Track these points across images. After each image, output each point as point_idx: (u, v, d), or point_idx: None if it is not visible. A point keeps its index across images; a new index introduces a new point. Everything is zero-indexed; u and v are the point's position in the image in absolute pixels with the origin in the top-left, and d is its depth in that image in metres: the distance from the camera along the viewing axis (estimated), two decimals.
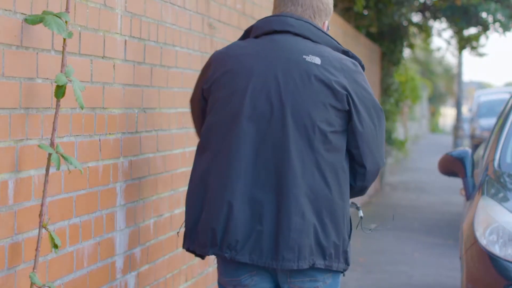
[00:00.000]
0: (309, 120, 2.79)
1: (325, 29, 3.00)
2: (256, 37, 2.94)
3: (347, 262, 2.89)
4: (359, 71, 2.89)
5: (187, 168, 3.88)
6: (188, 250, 2.93)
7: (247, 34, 3.01)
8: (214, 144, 2.85)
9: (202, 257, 2.95)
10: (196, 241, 2.86)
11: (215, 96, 2.88)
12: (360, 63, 2.95)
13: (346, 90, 2.82)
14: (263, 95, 2.81)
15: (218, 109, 2.86)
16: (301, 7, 2.95)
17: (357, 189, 2.99)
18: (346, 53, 2.95)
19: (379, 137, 2.94)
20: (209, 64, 2.96)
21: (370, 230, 3.35)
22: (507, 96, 18.60)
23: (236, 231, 2.77)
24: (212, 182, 2.82)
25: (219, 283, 2.96)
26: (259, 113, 2.81)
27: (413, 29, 15.01)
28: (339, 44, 2.97)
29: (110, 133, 3.03)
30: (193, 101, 3.04)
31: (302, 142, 2.80)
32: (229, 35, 4.54)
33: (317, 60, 2.83)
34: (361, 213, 3.11)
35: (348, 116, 2.84)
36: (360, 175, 2.94)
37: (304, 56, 2.84)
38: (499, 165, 5.09)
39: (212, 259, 4.33)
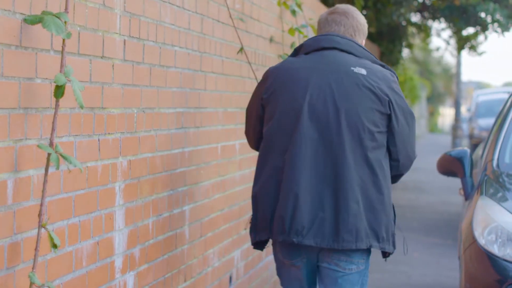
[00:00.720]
0: (360, 122, 3.32)
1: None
2: (306, 53, 3.48)
3: (394, 245, 3.44)
4: (395, 80, 3.46)
5: (186, 168, 3.88)
6: (257, 242, 3.46)
7: (296, 52, 3.55)
8: (280, 145, 3.35)
9: (262, 248, 3.49)
10: (271, 229, 3.36)
11: (275, 103, 3.38)
12: (395, 73, 3.52)
13: (388, 96, 3.37)
14: (320, 101, 3.32)
15: (280, 116, 3.36)
16: (343, 27, 3.55)
17: (393, 177, 3.52)
18: (383, 66, 3.51)
19: (411, 136, 3.50)
20: (266, 77, 3.47)
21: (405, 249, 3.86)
22: (505, 96, 18.61)
23: (302, 219, 3.27)
24: (283, 177, 3.31)
25: (278, 260, 3.50)
26: (317, 117, 3.32)
27: (411, 29, 15.02)
28: (376, 58, 3.54)
29: (109, 133, 3.03)
30: (250, 110, 3.53)
31: (354, 140, 3.31)
32: (227, 35, 4.54)
33: (363, 71, 3.37)
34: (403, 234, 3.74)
35: (388, 119, 3.37)
36: (394, 167, 3.47)
37: (352, 68, 3.37)
38: (497, 165, 5.10)
39: (211, 259, 4.34)
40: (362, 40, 3.62)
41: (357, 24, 3.58)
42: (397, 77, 3.51)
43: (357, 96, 3.33)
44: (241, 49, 4.67)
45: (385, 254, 3.52)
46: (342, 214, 3.28)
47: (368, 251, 3.43)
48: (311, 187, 3.29)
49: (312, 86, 3.35)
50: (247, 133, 3.62)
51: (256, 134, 3.54)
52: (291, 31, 5.77)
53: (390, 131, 3.39)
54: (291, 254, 3.42)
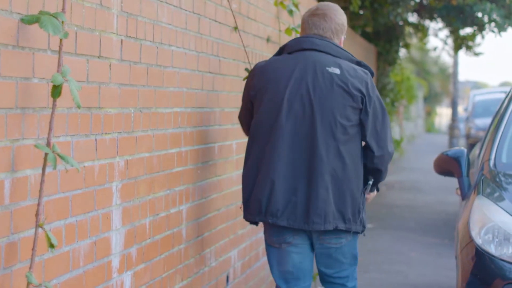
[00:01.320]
0: (332, 117, 3.73)
1: (341, 43, 3.97)
2: (289, 53, 3.88)
3: (363, 225, 3.85)
4: (369, 77, 3.84)
5: (183, 168, 3.88)
6: (246, 219, 3.89)
7: (281, 51, 3.95)
8: (261, 137, 3.79)
9: (256, 223, 3.91)
10: (248, 211, 3.83)
11: (260, 99, 3.81)
12: (370, 70, 3.90)
13: (361, 92, 3.77)
14: (298, 98, 3.75)
15: (263, 110, 3.79)
16: (322, 30, 3.90)
17: (371, 170, 3.91)
18: (359, 63, 3.90)
19: (384, 129, 3.87)
20: (253, 75, 3.89)
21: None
22: (502, 95, 18.62)
23: (277, 203, 3.73)
24: (262, 166, 3.76)
25: (267, 243, 3.92)
26: (294, 113, 3.75)
27: (409, 29, 15.03)
28: (353, 56, 3.92)
29: (106, 133, 3.03)
30: (244, 100, 3.95)
31: (327, 134, 3.73)
32: (225, 35, 4.54)
33: (337, 71, 3.77)
34: (370, 181, 3.94)
35: (360, 113, 3.77)
36: (369, 158, 3.87)
37: (327, 68, 3.78)
38: (494, 164, 5.10)
39: (208, 258, 4.34)
40: (341, 38, 3.97)
41: (335, 26, 3.92)
42: (372, 73, 3.89)
43: (330, 94, 3.74)
44: (236, 28, 4.69)
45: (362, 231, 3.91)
46: (312, 199, 3.71)
47: (350, 233, 3.85)
48: (286, 175, 3.73)
49: (292, 84, 3.76)
50: (239, 118, 4.07)
51: (247, 124, 3.99)
52: (288, 31, 5.77)
53: (361, 124, 3.79)
54: (283, 232, 3.83)
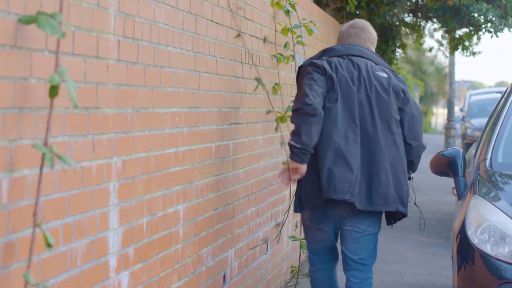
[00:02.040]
0: (389, 113, 4.42)
1: None
2: (340, 56, 4.52)
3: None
4: (405, 82, 4.63)
5: (180, 168, 3.89)
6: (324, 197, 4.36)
7: (323, 53, 4.56)
8: (338, 128, 4.34)
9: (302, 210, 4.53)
10: (334, 189, 4.31)
11: (334, 90, 4.39)
12: (404, 82, 4.64)
13: (404, 93, 4.53)
14: (362, 100, 4.41)
15: (341, 103, 4.39)
16: (362, 40, 4.66)
17: (407, 162, 4.53)
18: (392, 71, 4.60)
19: (418, 125, 4.56)
20: (320, 64, 4.40)
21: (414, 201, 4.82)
22: (498, 96, 18.64)
23: (348, 187, 4.29)
24: (344, 152, 4.32)
25: (305, 225, 4.62)
26: (360, 111, 4.39)
27: (405, 29, 15.04)
28: (387, 65, 4.65)
29: (103, 133, 3.04)
30: (315, 80, 4.39)
31: (384, 127, 4.39)
32: (222, 35, 4.55)
33: (385, 75, 4.51)
34: (412, 174, 4.63)
35: (401, 110, 4.49)
36: (407, 150, 4.51)
37: (376, 72, 4.50)
38: (490, 164, 5.12)
39: (205, 258, 4.35)
40: (373, 48, 4.72)
41: (371, 37, 4.71)
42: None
43: (384, 93, 4.44)
44: (238, 35, 4.73)
45: (390, 222, 4.59)
46: (375, 184, 4.33)
47: (380, 217, 4.50)
48: (357, 166, 4.33)
49: (357, 86, 4.43)
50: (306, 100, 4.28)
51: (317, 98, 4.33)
52: (284, 31, 5.78)
53: (402, 120, 4.49)
54: (319, 220, 4.49)
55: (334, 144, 4.30)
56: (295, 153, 4.25)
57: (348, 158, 4.30)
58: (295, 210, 4.55)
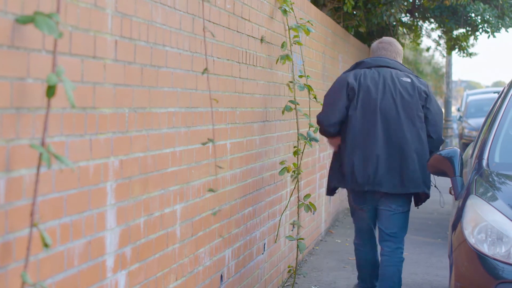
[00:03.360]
0: (412, 112, 5.47)
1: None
2: (368, 67, 5.64)
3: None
4: (428, 85, 5.60)
5: (178, 168, 3.89)
6: (332, 189, 5.79)
7: (356, 65, 5.69)
8: (361, 129, 5.49)
9: (333, 193, 5.89)
10: (355, 182, 5.50)
11: (357, 98, 5.52)
12: (428, 86, 5.64)
13: (426, 94, 5.56)
14: (387, 103, 5.47)
15: (360, 110, 5.50)
16: (389, 52, 5.78)
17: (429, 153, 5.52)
18: (416, 76, 5.64)
19: (439, 121, 5.62)
20: (346, 79, 5.58)
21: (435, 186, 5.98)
22: (495, 96, 18.66)
23: (380, 175, 5.44)
24: (365, 155, 5.46)
25: (351, 206, 5.78)
26: (385, 113, 5.46)
27: (402, 29, 15.05)
28: (410, 71, 5.68)
29: (100, 133, 3.04)
30: (338, 98, 5.57)
31: (409, 124, 5.46)
32: (219, 35, 4.55)
33: (408, 80, 5.56)
34: (434, 182, 5.85)
35: (426, 108, 5.53)
36: (430, 142, 5.58)
37: (401, 78, 5.56)
38: (487, 164, 5.12)
39: (202, 258, 4.35)
40: (400, 59, 5.80)
41: (397, 50, 5.82)
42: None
43: (408, 96, 5.49)
44: (205, 70, 4.60)
45: (417, 203, 5.71)
46: (405, 170, 5.43)
47: (409, 199, 5.61)
48: (386, 155, 5.44)
49: (381, 92, 5.48)
50: (324, 116, 5.65)
51: (336, 115, 5.59)
52: (294, 29, 5.85)
53: (426, 117, 5.53)
54: (360, 202, 5.66)
55: (356, 145, 5.46)
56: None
57: (366, 155, 5.43)
58: (327, 194, 5.93)
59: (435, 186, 5.88)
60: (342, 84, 5.55)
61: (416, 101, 5.46)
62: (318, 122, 5.63)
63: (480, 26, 12.93)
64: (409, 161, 5.42)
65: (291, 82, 5.98)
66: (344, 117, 5.51)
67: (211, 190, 4.03)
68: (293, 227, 6.68)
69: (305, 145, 6.15)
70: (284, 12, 5.74)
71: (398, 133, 5.42)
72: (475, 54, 15.18)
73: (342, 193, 10.71)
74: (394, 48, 5.79)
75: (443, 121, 6.46)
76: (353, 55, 11.66)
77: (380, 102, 5.45)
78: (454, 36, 14.36)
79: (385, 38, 5.85)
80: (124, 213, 3.27)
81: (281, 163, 6.05)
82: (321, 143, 8.48)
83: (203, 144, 4.05)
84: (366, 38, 14.35)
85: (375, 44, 5.85)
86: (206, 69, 3.96)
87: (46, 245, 2.43)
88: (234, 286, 5.04)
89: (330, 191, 5.83)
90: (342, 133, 5.56)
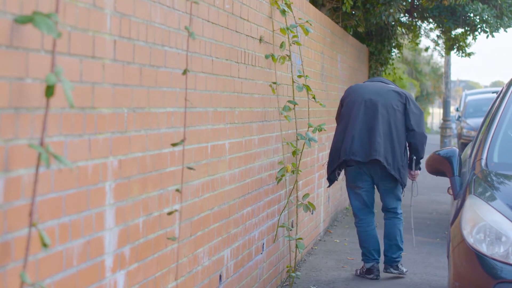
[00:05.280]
0: (390, 105, 6.95)
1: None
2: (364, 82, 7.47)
3: (401, 178, 6.97)
4: (407, 93, 7.15)
5: (176, 167, 3.89)
6: (343, 161, 7.03)
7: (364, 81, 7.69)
8: (345, 121, 7.06)
9: (332, 181, 7.28)
10: (349, 155, 6.94)
11: (346, 104, 7.13)
12: (409, 94, 7.25)
13: (405, 94, 7.07)
14: (369, 100, 6.99)
15: (347, 108, 7.07)
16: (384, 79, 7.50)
17: (411, 146, 7.05)
18: (402, 91, 7.19)
19: (419, 118, 7.00)
20: (346, 93, 7.27)
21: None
22: (494, 95, 18.66)
23: (355, 148, 6.94)
24: (347, 132, 6.97)
25: (348, 186, 7.12)
26: (367, 108, 6.97)
27: (401, 29, 15.05)
28: (399, 88, 7.29)
29: (99, 133, 3.04)
30: (339, 107, 7.33)
31: (384, 116, 6.92)
32: (218, 35, 4.55)
33: (393, 87, 7.13)
34: (414, 157, 7.21)
35: (405, 106, 6.98)
36: (410, 135, 6.96)
37: (386, 87, 7.12)
38: (486, 164, 5.13)
39: (201, 258, 4.35)
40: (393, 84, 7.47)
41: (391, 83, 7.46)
42: (410, 95, 7.19)
43: (388, 96, 7.01)
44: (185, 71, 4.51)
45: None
46: (373, 145, 6.80)
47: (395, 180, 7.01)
48: (359, 136, 6.89)
49: (366, 96, 7.03)
50: (336, 118, 7.41)
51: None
52: (282, 30, 5.80)
53: (406, 112, 6.94)
54: (356, 178, 7.03)
55: (345, 132, 7.03)
56: None
57: (346, 138, 6.97)
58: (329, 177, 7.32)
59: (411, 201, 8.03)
60: (343, 97, 7.49)
61: (395, 98, 7.02)
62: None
63: (478, 26, 12.93)
64: (377, 140, 6.85)
65: (274, 83, 5.94)
66: None
67: (177, 190, 4.01)
68: (292, 226, 6.68)
69: (304, 145, 6.15)
70: (283, 12, 5.74)
71: (372, 123, 6.93)
72: (474, 54, 15.17)
73: (342, 193, 10.72)
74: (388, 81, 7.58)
75: (423, 120, 7.58)
76: (352, 55, 11.66)
77: (364, 103, 7.04)
78: (453, 36, 14.36)
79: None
80: (123, 213, 3.27)
81: (280, 163, 6.05)
82: (319, 143, 8.49)
83: (173, 145, 3.75)
84: (365, 38, 14.36)
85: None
86: (186, 69, 3.95)
87: (45, 245, 2.43)
88: (233, 286, 5.04)
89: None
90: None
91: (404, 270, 7.18)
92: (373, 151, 6.73)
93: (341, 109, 7.17)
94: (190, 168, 3.88)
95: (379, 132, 6.77)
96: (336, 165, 6.96)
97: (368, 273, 7.08)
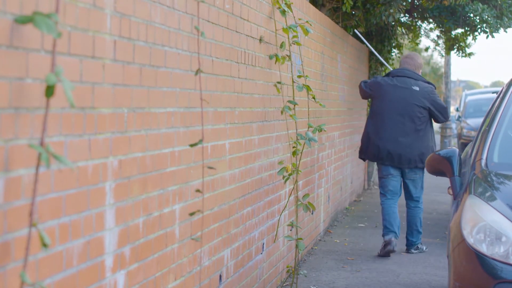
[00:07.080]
0: (413, 111, 8.08)
1: (420, 73, 8.49)
2: (393, 76, 8.27)
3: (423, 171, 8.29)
4: (433, 90, 8.28)
5: (176, 167, 3.89)
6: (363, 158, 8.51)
7: (388, 74, 8.36)
8: (377, 118, 8.22)
9: (364, 159, 8.58)
10: (367, 155, 8.37)
11: (377, 98, 8.27)
12: (434, 86, 8.38)
13: (430, 95, 8.20)
14: (397, 101, 8.13)
15: (377, 105, 8.22)
16: (409, 65, 8.40)
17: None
18: (428, 82, 8.34)
19: (444, 113, 8.28)
20: (374, 83, 8.37)
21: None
22: (493, 96, 18.66)
23: (384, 152, 8.21)
24: (375, 140, 8.23)
25: (379, 177, 8.31)
26: (395, 107, 8.10)
27: (401, 29, 15.05)
28: (425, 79, 8.35)
29: (99, 133, 3.04)
30: (368, 92, 8.40)
31: (409, 120, 8.07)
32: (218, 35, 4.55)
33: (417, 88, 8.16)
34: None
35: (429, 110, 8.19)
36: (440, 120, 8.33)
37: (412, 86, 8.16)
38: (486, 164, 5.13)
39: (201, 258, 4.35)
40: (420, 70, 8.41)
41: (416, 63, 8.41)
42: (435, 87, 8.33)
43: (413, 100, 8.07)
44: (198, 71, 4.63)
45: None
46: (401, 158, 8.07)
47: (422, 169, 8.17)
48: (389, 139, 8.04)
49: (394, 95, 8.10)
50: (362, 89, 8.49)
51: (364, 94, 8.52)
52: (285, 30, 5.81)
53: (432, 111, 8.10)
54: (388, 169, 8.17)
55: (376, 130, 8.12)
56: None
57: (378, 138, 8.13)
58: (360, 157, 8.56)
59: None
60: (369, 88, 8.39)
61: (418, 104, 8.07)
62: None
63: (478, 26, 12.93)
64: (406, 149, 8.05)
65: (279, 82, 5.95)
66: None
67: (198, 190, 4.03)
68: (292, 227, 6.68)
69: (304, 145, 6.15)
70: (283, 12, 5.74)
71: (400, 126, 8.08)
72: (474, 54, 15.17)
73: (342, 193, 10.72)
74: (414, 62, 8.38)
75: (448, 113, 8.60)
76: (352, 55, 11.66)
77: (390, 104, 8.10)
78: (453, 36, 14.36)
79: (409, 53, 8.58)
80: (123, 213, 3.27)
81: (280, 163, 6.05)
82: (319, 143, 8.49)
83: (191, 145, 3.99)
84: (365, 38, 14.35)
85: (402, 57, 8.52)
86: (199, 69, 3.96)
87: (45, 245, 2.43)
88: (233, 286, 5.04)
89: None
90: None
91: (424, 248, 8.34)
92: (400, 162, 8.08)
93: (369, 93, 8.28)
94: (210, 168, 4.05)
95: (405, 131, 8.02)
96: (366, 160, 8.59)
97: (385, 245, 7.94)
